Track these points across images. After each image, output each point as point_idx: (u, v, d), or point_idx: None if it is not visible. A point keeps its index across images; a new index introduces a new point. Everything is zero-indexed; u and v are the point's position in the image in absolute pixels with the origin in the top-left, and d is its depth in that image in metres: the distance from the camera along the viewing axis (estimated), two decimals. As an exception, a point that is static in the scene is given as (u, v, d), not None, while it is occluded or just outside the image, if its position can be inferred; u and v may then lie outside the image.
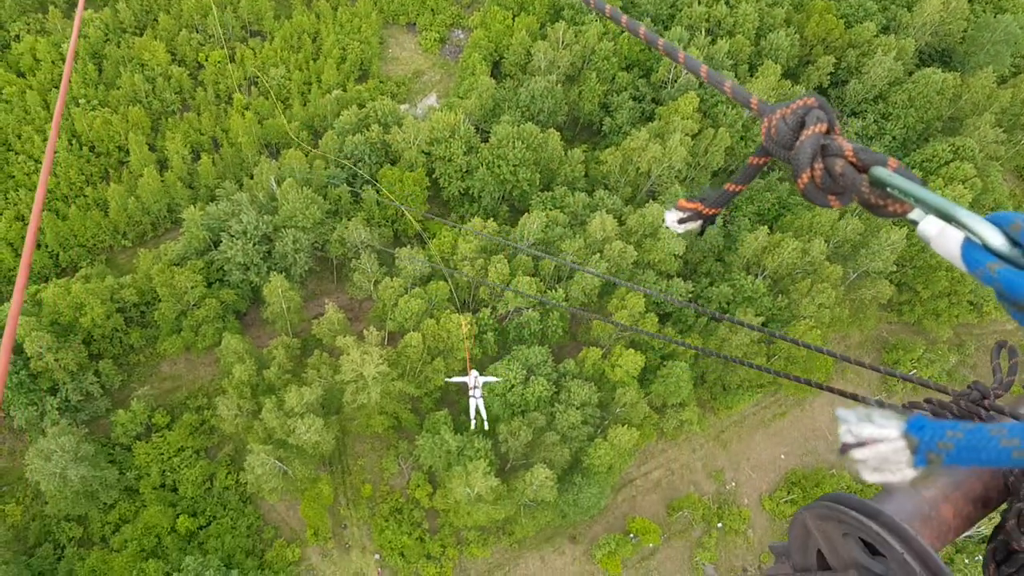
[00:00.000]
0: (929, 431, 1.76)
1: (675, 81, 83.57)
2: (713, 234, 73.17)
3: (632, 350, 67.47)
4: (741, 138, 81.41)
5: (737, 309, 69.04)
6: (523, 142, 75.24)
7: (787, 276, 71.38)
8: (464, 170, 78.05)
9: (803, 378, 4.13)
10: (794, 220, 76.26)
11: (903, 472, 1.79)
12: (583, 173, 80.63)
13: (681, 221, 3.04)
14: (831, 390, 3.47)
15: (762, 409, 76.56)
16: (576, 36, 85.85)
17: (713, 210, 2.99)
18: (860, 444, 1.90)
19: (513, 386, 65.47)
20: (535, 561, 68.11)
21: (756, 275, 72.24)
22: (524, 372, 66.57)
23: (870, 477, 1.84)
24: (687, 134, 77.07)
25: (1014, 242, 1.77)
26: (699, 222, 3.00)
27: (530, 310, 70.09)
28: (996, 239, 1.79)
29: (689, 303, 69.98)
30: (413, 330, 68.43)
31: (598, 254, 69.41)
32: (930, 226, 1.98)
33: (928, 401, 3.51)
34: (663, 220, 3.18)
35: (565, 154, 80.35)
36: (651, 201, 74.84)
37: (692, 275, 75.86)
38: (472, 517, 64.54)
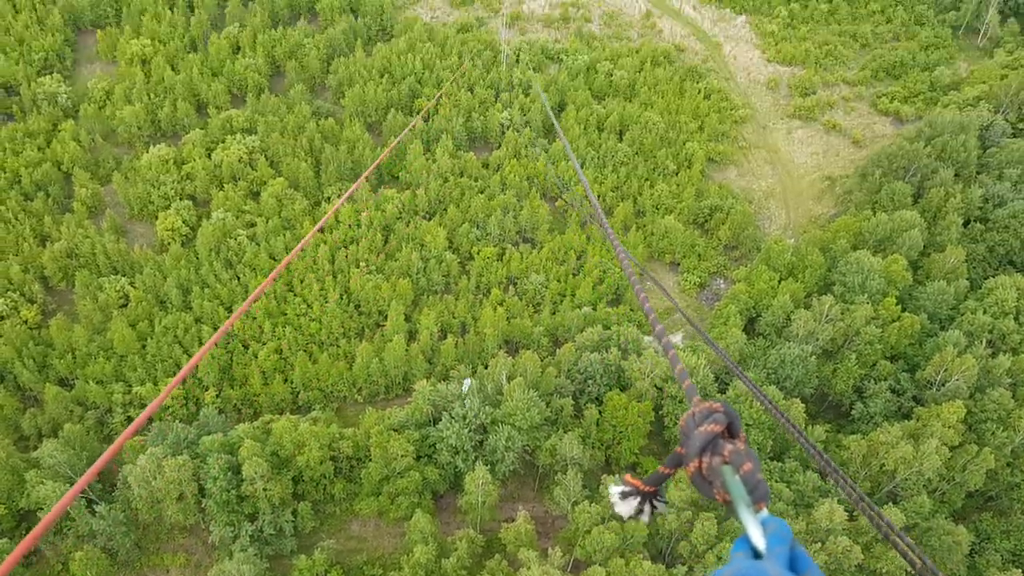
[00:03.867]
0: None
1: (943, 384, 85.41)
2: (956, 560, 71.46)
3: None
4: (1008, 464, 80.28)
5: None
6: (761, 404, 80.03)
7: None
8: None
9: None
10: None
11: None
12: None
13: (624, 495, 3.90)
14: None
15: None
16: (842, 313, 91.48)
17: (649, 488, 3.80)
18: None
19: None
20: None
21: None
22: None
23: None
24: (945, 444, 77.75)
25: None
26: (637, 499, 3.85)
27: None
28: (760, 542, 2.58)
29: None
30: (600, 564, 72.17)
31: (819, 544, 70.41)
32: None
33: None
34: (609, 493, 4.00)
35: (804, 428, 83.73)
36: (890, 503, 75.24)
37: (924, 601, 73.33)
38: None
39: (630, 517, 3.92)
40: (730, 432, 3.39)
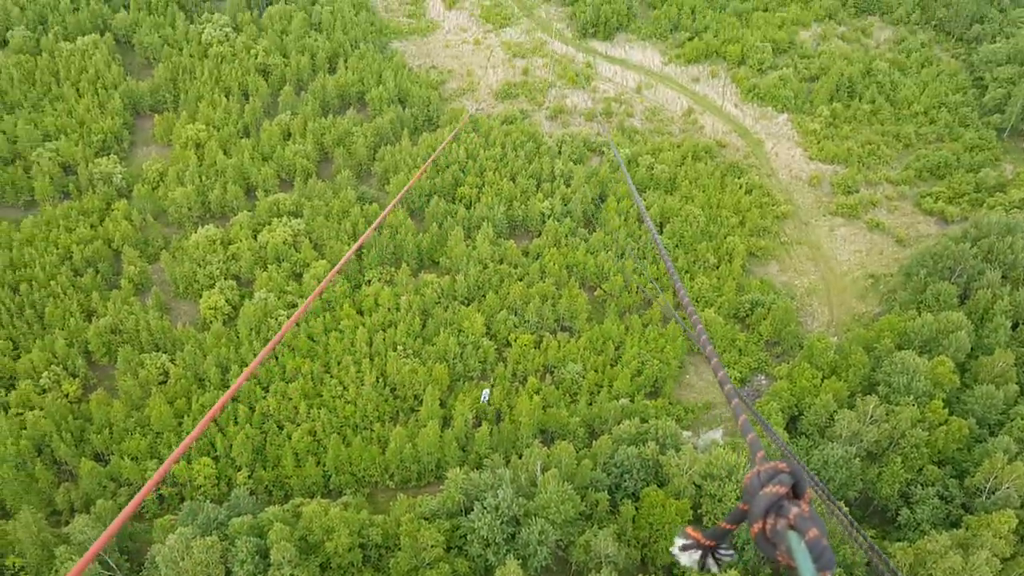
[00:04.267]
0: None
1: (993, 492, 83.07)
2: None
3: None
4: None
5: None
6: (809, 507, 78.37)
7: None
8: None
9: None
10: None
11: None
12: (864, 560, 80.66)
13: (684, 548, 4.02)
14: None
15: None
16: (887, 415, 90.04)
17: (709, 542, 3.94)
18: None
19: None
20: None
21: None
22: None
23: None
24: (997, 555, 75.13)
25: None
26: (698, 552, 3.99)
27: None
28: None
29: None
30: (633, 669, 70.13)
31: (863, 657, 67.80)
32: None
33: None
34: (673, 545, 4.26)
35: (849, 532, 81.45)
36: (940, 618, 72.40)
37: None
38: None
39: (695, 568, 4.01)
40: (795, 493, 3.51)
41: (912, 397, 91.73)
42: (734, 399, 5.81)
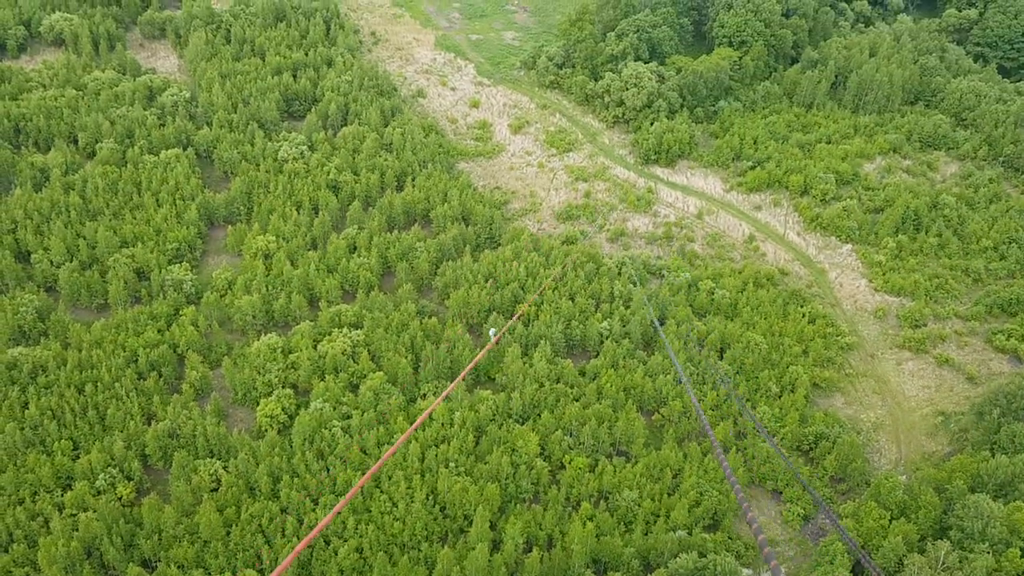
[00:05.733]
0: None
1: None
2: None
3: None
4: None
5: None
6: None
7: None
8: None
9: None
10: None
11: None
12: None
13: None
14: None
15: None
16: (960, 561, 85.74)
17: None
18: None
19: None
20: None
21: None
22: None
23: None
24: None
25: None
26: None
27: None
28: None
29: None
30: None
31: None
32: None
33: None
34: None
35: None
36: None
37: None
38: None
39: None
40: None
41: (987, 544, 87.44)
42: (767, 551, 6.39)
